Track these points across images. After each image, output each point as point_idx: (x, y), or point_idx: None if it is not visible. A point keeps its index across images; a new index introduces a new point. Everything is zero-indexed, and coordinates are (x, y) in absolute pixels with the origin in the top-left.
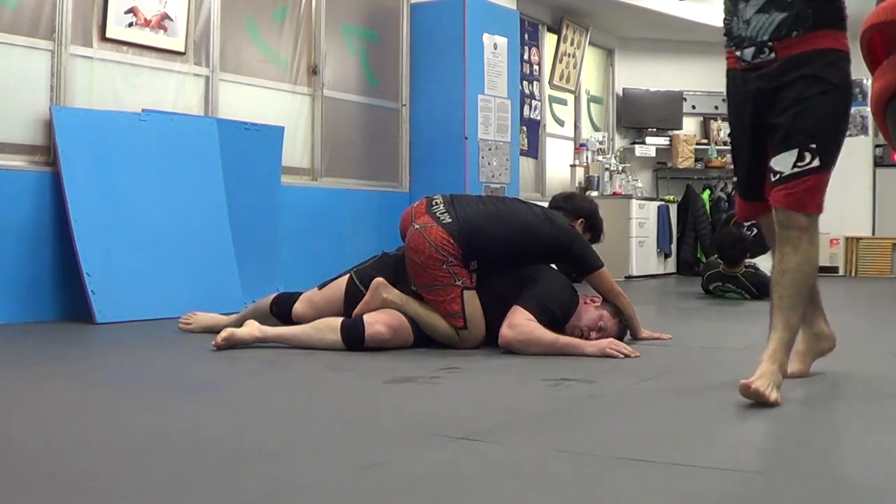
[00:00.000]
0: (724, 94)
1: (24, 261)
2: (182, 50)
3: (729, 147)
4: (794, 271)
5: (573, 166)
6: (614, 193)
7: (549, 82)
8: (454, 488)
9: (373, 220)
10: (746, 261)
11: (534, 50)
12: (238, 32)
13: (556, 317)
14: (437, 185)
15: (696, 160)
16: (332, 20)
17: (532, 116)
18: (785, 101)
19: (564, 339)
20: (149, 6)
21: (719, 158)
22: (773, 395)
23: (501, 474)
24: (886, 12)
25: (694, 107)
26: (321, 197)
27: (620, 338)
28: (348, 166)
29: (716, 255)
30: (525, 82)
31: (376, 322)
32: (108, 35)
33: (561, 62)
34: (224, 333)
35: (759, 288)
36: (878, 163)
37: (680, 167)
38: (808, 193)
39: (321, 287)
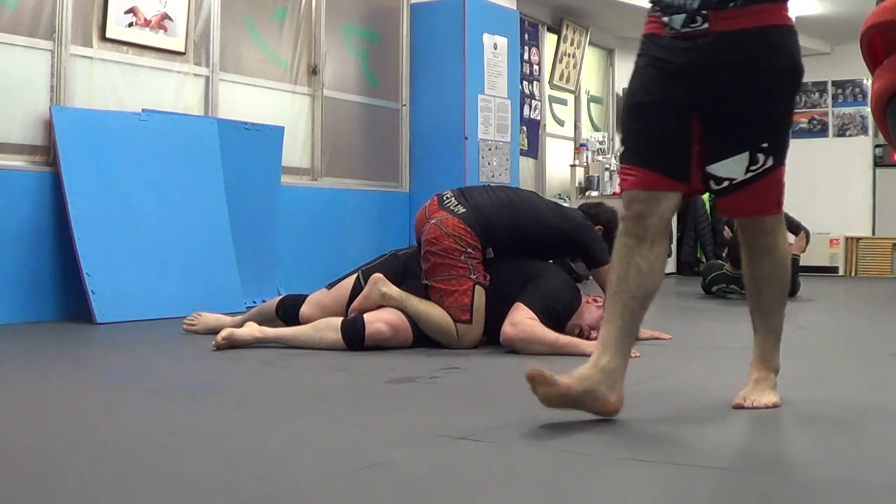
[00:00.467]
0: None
1: (24, 261)
2: (182, 50)
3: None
4: (768, 277)
5: (573, 166)
6: (614, 193)
7: (549, 82)
8: (454, 488)
9: (373, 220)
10: None
11: (534, 50)
12: (238, 32)
13: (558, 315)
14: (437, 185)
15: None
16: (332, 20)
17: (532, 116)
18: (726, 90)
19: (565, 339)
20: (149, 6)
21: None
22: (772, 400)
23: (501, 474)
24: (886, 12)
25: None
26: (321, 197)
27: None
28: (348, 166)
29: (724, 254)
30: (525, 82)
31: (377, 320)
32: (108, 35)
33: (561, 62)
34: (224, 333)
35: None
36: (878, 163)
37: None
38: (768, 196)
39: (329, 287)
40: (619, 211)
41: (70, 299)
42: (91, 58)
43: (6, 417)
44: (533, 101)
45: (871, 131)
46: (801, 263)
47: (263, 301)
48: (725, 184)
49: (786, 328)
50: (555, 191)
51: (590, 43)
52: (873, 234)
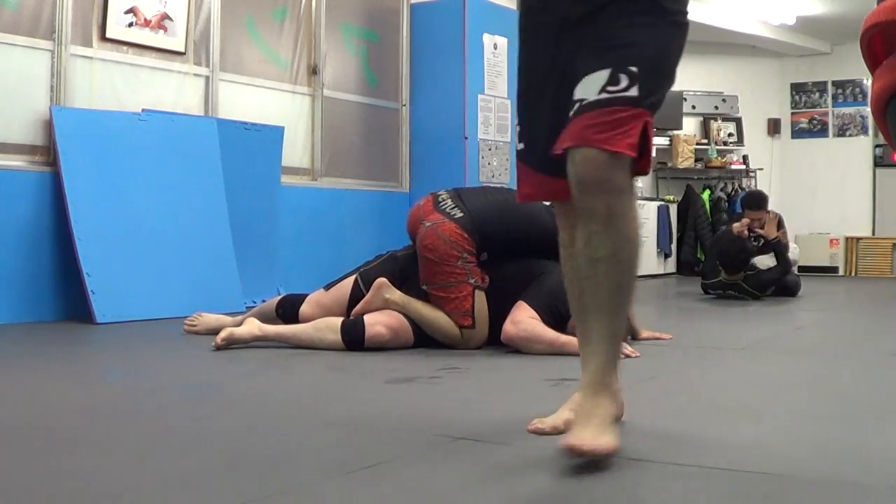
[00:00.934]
0: (520, 29)
1: (24, 261)
2: (182, 50)
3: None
4: (608, 260)
5: None
6: None
7: None
8: (454, 488)
9: (373, 220)
10: None
11: None
12: (238, 32)
13: (561, 314)
14: (436, 185)
15: (696, 160)
16: (332, 20)
17: None
18: (599, 25)
19: (565, 338)
20: (149, 6)
21: (719, 158)
22: (607, 443)
23: (501, 474)
24: (886, 12)
25: (694, 107)
26: (321, 197)
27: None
28: (348, 166)
29: (717, 262)
30: None
31: (376, 323)
32: (108, 35)
33: None
34: (223, 333)
35: (760, 288)
36: (878, 163)
37: (680, 167)
38: (617, 125)
39: (327, 288)
40: None
41: (70, 299)
42: (91, 58)
43: (6, 417)
44: None
45: (871, 131)
46: (802, 263)
47: (263, 301)
48: (576, 107)
49: (786, 328)
50: None
51: None
52: (873, 234)
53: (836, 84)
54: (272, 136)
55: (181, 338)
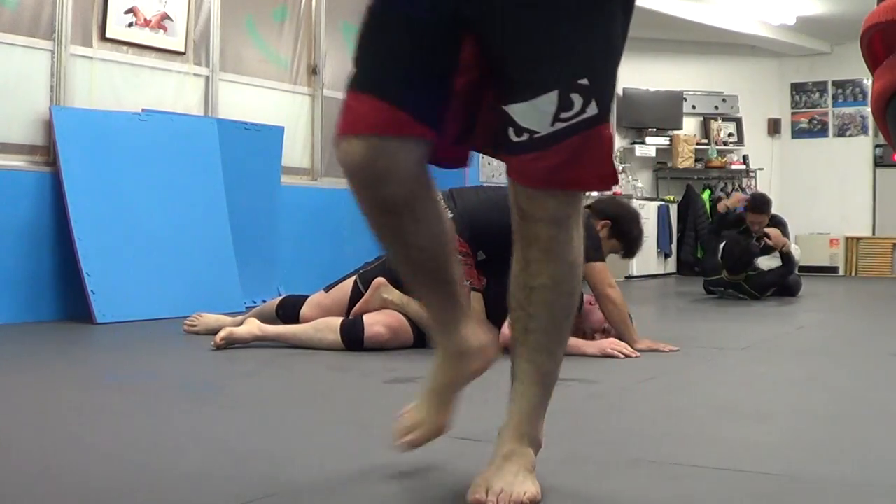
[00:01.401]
0: None
1: (24, 261)
2: (182, 50)
3: (722, 145)
4: (548, 289)
5: None
6: (614, 193)
7: None
8: (454, 489)
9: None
10: None
11: None
12: (238, 32)
13: None
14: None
15: (696, 160)
16: (331, 20)
17: None
18: (527, 6)
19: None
20: (149, 6)
21: (719, 158)
22: (529, 491)
23: None
24: (886, 12)
25: (694, 107)
26: (321, 197)
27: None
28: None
29: (718, 258)
30: None
31: (376, 323)
32: (108, 35)
33: None
34: (223, 333)
35: (761, 289)
36: (878, 163)
37: (680, 167)
38: (582, 158)
39: (327, 290)
40: (612, 199)
41: (70, 299)
42: (91, 58)
43: (6, 417)
44: None
45: (871, 131)
46: (802, 263)
47: (263, 301)
48: (525, 137)
49: (786, 328)
50: None
51: None
52: (873, 234)
53: (836, 84)
54: (272, 136)
55: (181, 338)
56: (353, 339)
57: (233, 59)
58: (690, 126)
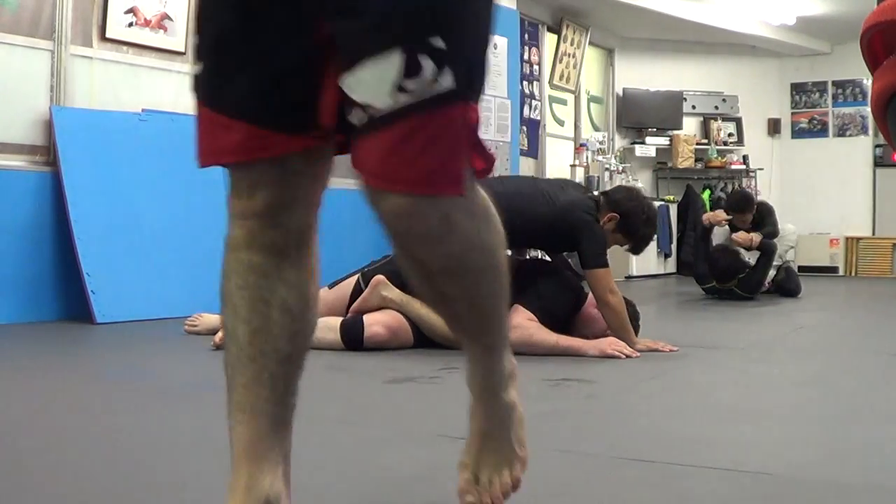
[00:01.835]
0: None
1: (24, 261)
2: (182, 50)
3: (722, 145)
4: (453, 271)
5: (573, 166)
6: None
7: (549, 82)
8: (454, 488)
9: (373, 221)
10: None
11: (534, 50)
12: None
13: (558, 317)
14: None
15: (696, 160)
16: None
17: (532, 116)
18: None
19: (565, 342)
20: (149, 6)
21: (719, 158)
22: (511, 475)
23: None
24: (886, 12)
25: (694, 107)
26: None
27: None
28: (348, 166)
29: (707, 268)
30: (525, 82)
31: (375, 323)
32: (108, 35)
33: (561, 62)
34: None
35: (752, 290)
36: (878, 163)
37: (680, 167)
38: (432, 149)
39: (331, 286)
40: (630, 192)
41: (70, 299)
42: (91, 58)
43: (6, 417)
44: (533, 101)
45: (871, 131)
46: (802, 263)
47: None
48: (362, 116)
49: (786, 328)
50: None
51: (590, 43)
52: (873, 234)
53: (836, 84)
54: None
55: (181, 338)
56: (352, 338)
57: None
58: (690, 126)
